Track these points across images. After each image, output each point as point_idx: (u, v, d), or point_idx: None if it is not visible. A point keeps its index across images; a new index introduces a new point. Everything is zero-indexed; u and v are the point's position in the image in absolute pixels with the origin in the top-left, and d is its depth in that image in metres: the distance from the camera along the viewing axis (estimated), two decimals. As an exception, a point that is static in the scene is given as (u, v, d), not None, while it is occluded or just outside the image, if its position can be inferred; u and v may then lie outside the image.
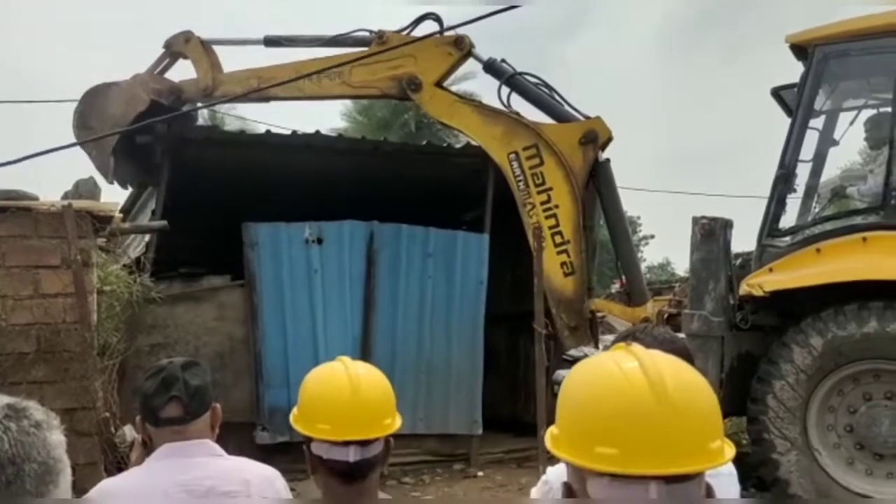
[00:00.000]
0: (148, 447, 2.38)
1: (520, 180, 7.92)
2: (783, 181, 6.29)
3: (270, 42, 8.65)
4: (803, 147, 6.40)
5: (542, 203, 7.83)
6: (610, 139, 7.94)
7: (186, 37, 8.57)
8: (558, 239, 7.78)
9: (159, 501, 2.23)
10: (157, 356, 6.76)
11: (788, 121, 6.46)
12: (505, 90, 8.12)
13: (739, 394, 6.06)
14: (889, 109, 6.25)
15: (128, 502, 2.22)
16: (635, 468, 1.01)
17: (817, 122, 6.72)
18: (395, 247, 8.73)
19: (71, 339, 5.45)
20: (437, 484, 8.34)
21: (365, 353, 8.47)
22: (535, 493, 2.24)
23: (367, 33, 8.32)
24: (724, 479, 2.22)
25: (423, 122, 30.15)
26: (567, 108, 8.10)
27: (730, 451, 1.09)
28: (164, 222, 7.16)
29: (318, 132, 9.32)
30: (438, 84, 8.24)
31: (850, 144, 12.42)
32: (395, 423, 2.02)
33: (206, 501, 2.26)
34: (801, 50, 6.39)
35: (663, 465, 1.01)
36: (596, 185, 7.95)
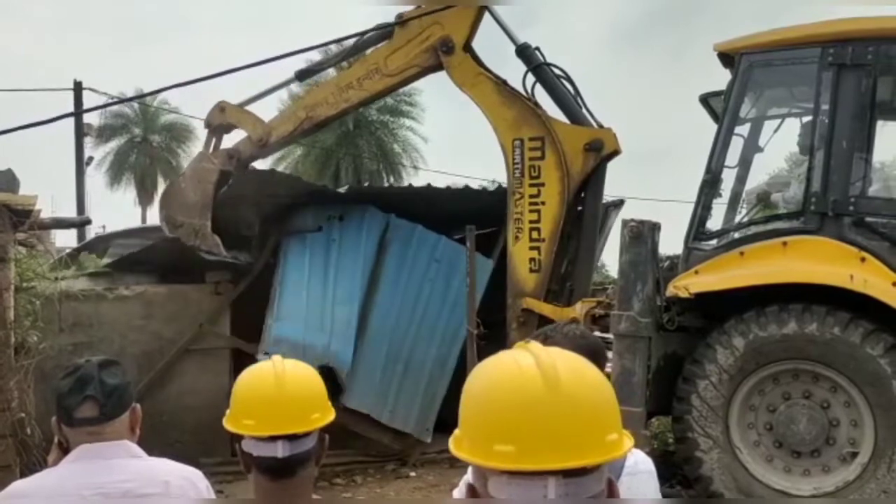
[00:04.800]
0: (64, 449, 2.31)
1: (517, 168, 7.96)
2: (709, 186, 6.44)
3: (302, 75, 9.01)
4: (729, 153, 6.56)
5: (531, 196, 7.89)
6: (616, 153, 7.99)
7: (221, 107, 8.82)
8: (535, 235, 7.87)
9: (72, 505, 2.16)
10: (80, 355, 6.55)
11: (716, 127, 6.62)
12: (530, 78, 8.19)
13: (666, 393, 6.18)
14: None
15: (38, 505, 2.14)
16: (532, 464, 1.01)
17: (743, 129, 6.91)
18: (407, 242, 8.95)
19: (-15, 337, 5.25)
20: (368, 484, 8.30)
21: (361, 325, 8.64)
22: (456, 493, 2.24)
23: (383, 26, 8.47)
24: (644, 477, 2.26)
25: (361, 122, 30.02)
26: (584, 111, 8.16)
27: (628, 442, 1.09)
28: (88, 216, 6.99)
29: (429, 184, 9.50)
30: (468, 47, 8.30)
31: (778, 151, 12.82)
32: (326, 418, 2.01)
33: (123, 504, 2.20)
34: (728, 58, 6.55)
35: (559, 459, 1.01)
36: (584, 182, 8.04)
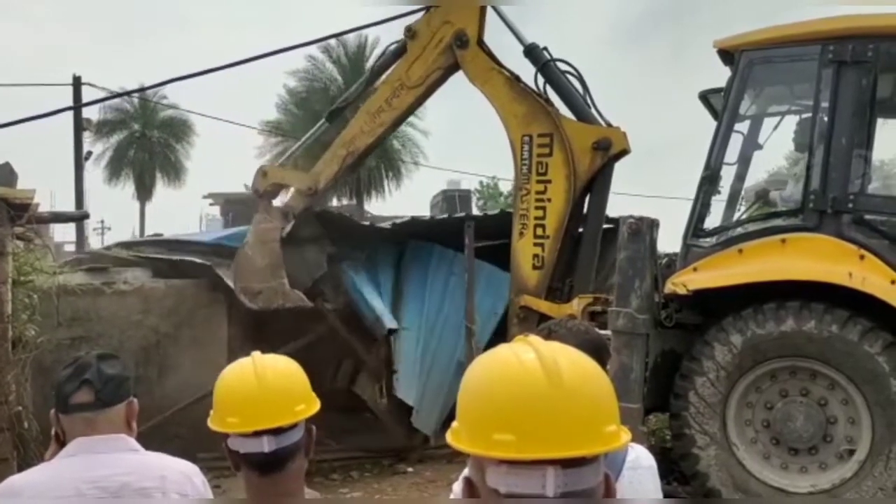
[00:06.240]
0: (61, 442, 2.30)
1: (525, 164, 7.99)
2: (708, 183, 6.43)
3: (333, 115, 9.27)
4: (729, 150, 6.55)
5: (538, 192, 7.91)
6: (624, 152, 7.99)
7: (263, 171, 8.92)
8: (539, 231, 7.89)
9: (69, 499, 2.15)
10: (77, 349, 6.55)
11: (715, 124, 6.60)
12: (541, 77, 8.22)
13: (663, 390, 6.18)
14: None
15: (34, 500, 2.13)
16: (532, 453, 1.02)
17: (742, 126, 6.90)
18: (426, 260, 9.35)
19: (-17, 331, 5.24)
20: (365, 480, 8.30)
21: (395, 315, 8.97)
22: (456, 487, 2.23)
23: (395, 45, 8.51)
24: (645, 472, 2.26)
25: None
26: (592, 110, 8.16)
27: (625, 435, 1.10)
28: (86, 211, 6.99)
29: (469, 215, 10.09)
30: (481, 41, 8.34)
31: (778, 149, 12.83)
32: (311, 408, 2.01)
33: (120, 498, 2.19)
34: (728, 55, 6.54)
35: (559, 448, 1.02)
36: (591, 181, 8.06)
